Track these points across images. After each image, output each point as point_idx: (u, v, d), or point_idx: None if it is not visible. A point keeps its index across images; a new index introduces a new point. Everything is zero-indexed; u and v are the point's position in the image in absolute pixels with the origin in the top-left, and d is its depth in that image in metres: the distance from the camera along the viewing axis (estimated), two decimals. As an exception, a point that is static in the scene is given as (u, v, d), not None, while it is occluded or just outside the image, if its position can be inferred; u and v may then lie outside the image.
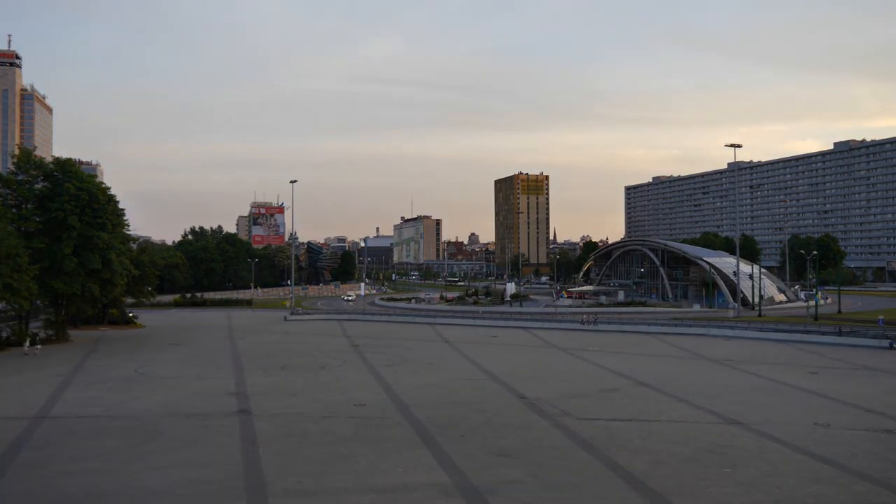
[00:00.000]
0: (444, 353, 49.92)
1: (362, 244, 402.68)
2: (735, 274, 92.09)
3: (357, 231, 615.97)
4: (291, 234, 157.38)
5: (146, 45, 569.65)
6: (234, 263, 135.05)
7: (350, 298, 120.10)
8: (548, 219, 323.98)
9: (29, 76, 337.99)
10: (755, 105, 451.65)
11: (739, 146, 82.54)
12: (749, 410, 28.86)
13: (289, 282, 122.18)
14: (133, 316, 74.08)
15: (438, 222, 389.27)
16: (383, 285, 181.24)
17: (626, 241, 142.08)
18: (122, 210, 62.33)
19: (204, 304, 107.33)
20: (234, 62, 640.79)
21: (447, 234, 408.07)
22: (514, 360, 46.13)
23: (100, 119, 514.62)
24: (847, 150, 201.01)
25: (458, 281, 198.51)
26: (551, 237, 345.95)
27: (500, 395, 32.66)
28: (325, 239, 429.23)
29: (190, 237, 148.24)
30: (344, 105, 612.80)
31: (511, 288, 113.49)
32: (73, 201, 52.66)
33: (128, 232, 69.02)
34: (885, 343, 50.51)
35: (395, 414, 28.12)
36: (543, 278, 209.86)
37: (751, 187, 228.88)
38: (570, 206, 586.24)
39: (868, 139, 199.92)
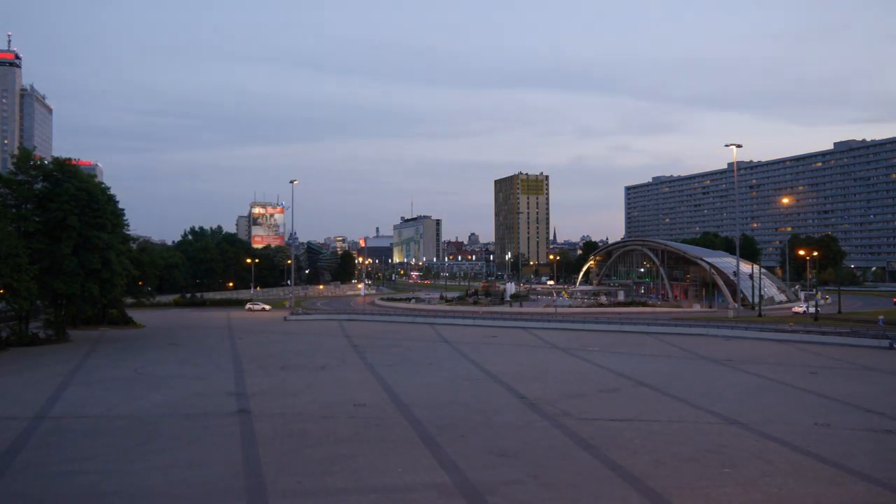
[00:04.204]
0: (444, 353, 49.88)
1: (362, 244, 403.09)
2: (735, 274, 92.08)
3: (357, 231, 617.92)
4: (291, 234, 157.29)
5: (145, 45, 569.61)
6: (234, 263, 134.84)
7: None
8: (548, 219, 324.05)
9: (29, 76, 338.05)
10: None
11: (740, 146, 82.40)
12: (749, 410, 28.84)
13: (289, 282, 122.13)
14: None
15: (438, 222, 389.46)
16: (381, 285, 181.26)
17: (626, 241, 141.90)
18: (122, 210, 62.40)
19: (204, 304, 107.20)
20: (234, 61, 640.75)
21: (447, 234, 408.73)
22: (514, 360, 46.09)
23: (100, 119, 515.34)
24: (847, 150, 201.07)
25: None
26: (551, 237, 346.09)
27: (500, 395, 32.64)
28: (325, 239, 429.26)
29: (190, 237, 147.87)
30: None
31: (511, 288, 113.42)
32: (72, 201, 52.64)
33: (128, 232, 69.06)
34: (885, 343, 50.48)
35: (395, 414, 28.09)
36: (543, 278, 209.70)
37: (751, 187, 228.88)
38: (570, 206, 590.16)
39: (868, 139, 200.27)
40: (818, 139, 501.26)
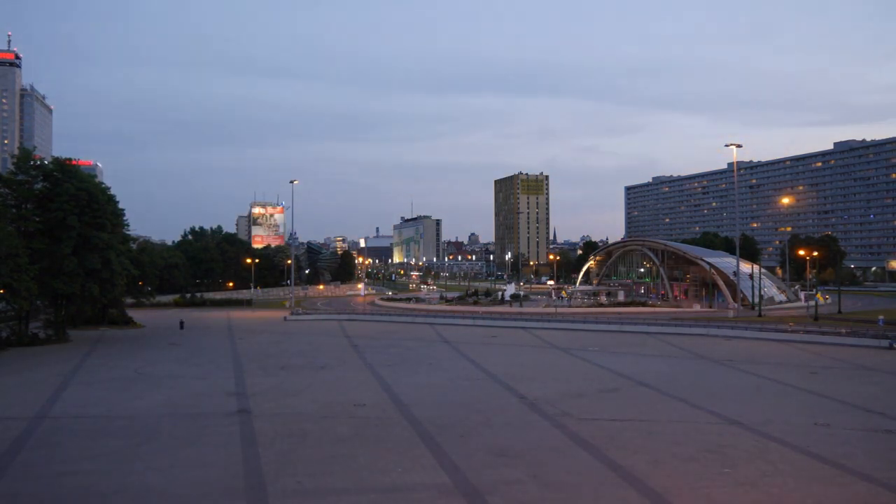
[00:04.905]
0: (444, 353, 49.88)
1: (362, 244, 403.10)
2: (735, 274, 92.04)
3: (357, 231, 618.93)
4: (291, 234, 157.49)
5: (144, 45, 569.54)
6: (234, 263, 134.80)
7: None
8: (548, 219, 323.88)
9: (29, 76, 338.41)
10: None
11: (740, 146, 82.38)
12: (749, 410, 28.82)
13: (289, 282, 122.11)
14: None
15: (438, 222, 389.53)
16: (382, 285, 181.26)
17: (626, 241, 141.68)
18: (122, 210, 62.48)
19: (204, 304, 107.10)
20: (234, 61, 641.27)
21: (447, 234, 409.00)
22: (514, 360, 46.08)
23: (100, 119, 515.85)
24: (847, 150, 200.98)
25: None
26: (551, 237, 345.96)
27: (500, 395, 32.63)
28: (325, 239, 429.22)
29: (190, 237, 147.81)
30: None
31: (511, 289, 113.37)
32: (72, 201, 52.66)
33: (128, 232, 69.12)
34: (885, 343, 50.45)
35: (394, 414, 28.09)
36: (543, 278, 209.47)
37: (751, 187, 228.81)
38: (570, 206, 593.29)
39: (868, 139, 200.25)
40: (777, 142, 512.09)
